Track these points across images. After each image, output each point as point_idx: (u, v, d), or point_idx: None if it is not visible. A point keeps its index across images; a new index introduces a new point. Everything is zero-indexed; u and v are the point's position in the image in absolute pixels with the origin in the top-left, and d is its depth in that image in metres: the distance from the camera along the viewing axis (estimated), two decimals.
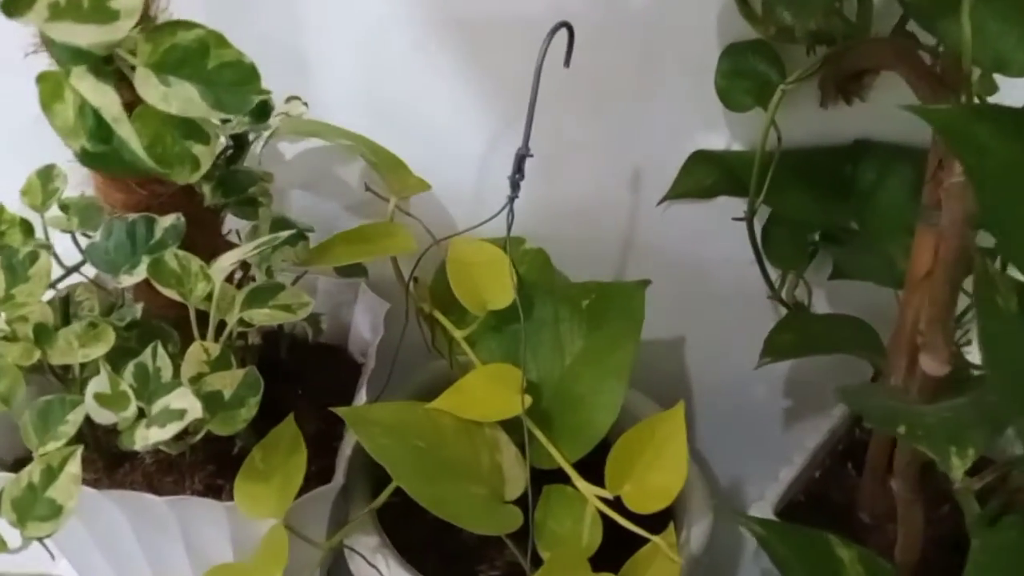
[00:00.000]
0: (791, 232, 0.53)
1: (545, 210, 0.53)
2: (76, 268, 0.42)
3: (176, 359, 0.39)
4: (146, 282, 0.39)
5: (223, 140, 0.43)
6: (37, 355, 0.37)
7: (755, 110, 0.48)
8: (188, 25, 0.31)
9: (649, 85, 0.51)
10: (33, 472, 0.33)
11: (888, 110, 0.50)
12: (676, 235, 0.57)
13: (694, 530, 0.49)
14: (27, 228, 0.42)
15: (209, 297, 0.39)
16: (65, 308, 0.41)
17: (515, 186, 0.40)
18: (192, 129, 0.32)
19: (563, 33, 0.39)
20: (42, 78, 0.31)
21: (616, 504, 0.44)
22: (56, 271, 0.41)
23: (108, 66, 0.31)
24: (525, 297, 0.47)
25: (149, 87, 0.31)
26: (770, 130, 0.47)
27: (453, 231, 0.50)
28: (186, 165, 0.32)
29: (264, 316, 0.39)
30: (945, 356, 0.35)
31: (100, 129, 0.31)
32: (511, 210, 0.42)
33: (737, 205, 0.54)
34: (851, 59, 0.43)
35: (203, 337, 0.40)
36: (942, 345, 0.36)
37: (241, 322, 0.40)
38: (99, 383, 0.34)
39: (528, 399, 0.44)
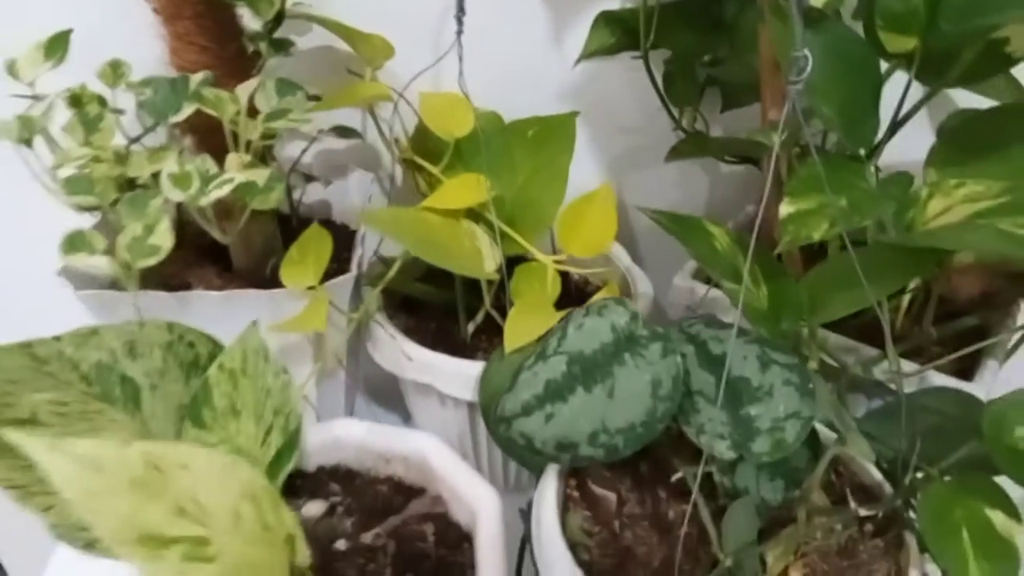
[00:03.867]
0: (683, 71, 0.67)
1: (489, 82, 0.67)
2: (140, 137, 0.54)
3: None
4: (193, 122, 0.52)
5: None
6: (119, 170, 0.50)
7: None
8: None
9: None
10: (136, 228, 0.45)
11: None
12: (595, 90, 0.71)
13: (639, 301, 0.62)
14: (102, 100, 0.54)
15: (238, 115, 0.51)
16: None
17: (459, 20, 0.54)
18: None
19: None
20: None
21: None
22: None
23: None
24: (485, 138, 0.61)
25: None
26: None
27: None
28: (265, 4, 0.45)
29: (283, 123, 0.52)
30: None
31: None
32: (460, 43, 0.55)
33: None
34: None
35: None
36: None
37: (263, 136, 0.52)
38: (170, 166, 0.47)
39: (492, 188, 0.57)
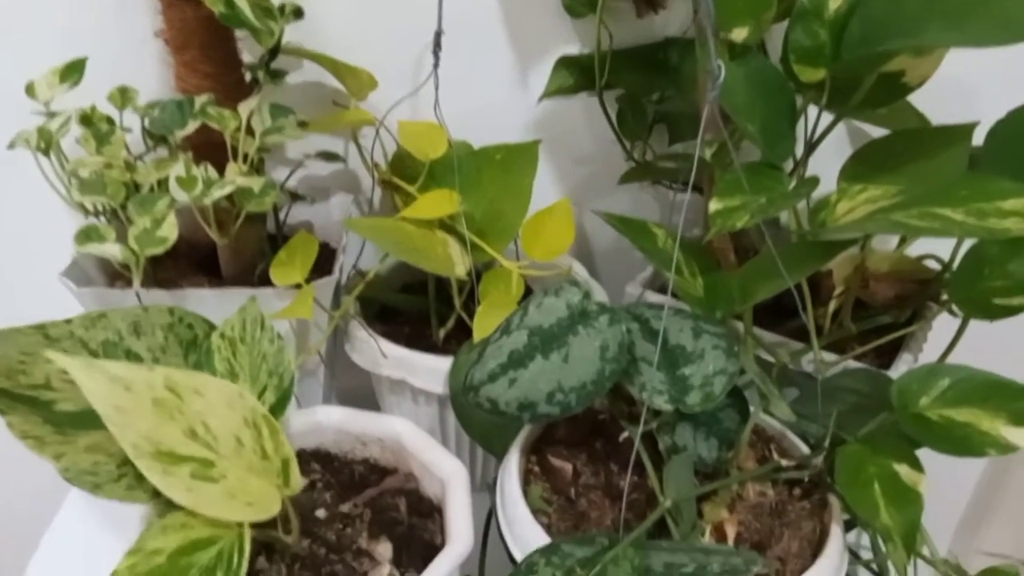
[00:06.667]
0: (633, 108, 0.76)
1: (461, 115, 0.74)
2: (147, 152, 0.60)
3: None
4: (193, 140, 0.59)
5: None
6: (128, 175, 0.55)
7: (590, 17, 0.71)
8: None
9: (521, 17, 0.74)
10: (145, 222, 0.51)
11: (678, 15, 0.75)
12: (556, 124, 0.79)
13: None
14: (110, 120, 0.60)
15: (238, 130, 0.58)
16: None
17: (436, 56, 0.62)
18: (268, 11, 0.52)
19: None
20: None
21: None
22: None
23: None
24: (459, 161, 0.68)
25: None
26: (602, 29, 0.71)
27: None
28: (265, 33, 0.52)
29: (278, 138, 0.59)
30: None
31: (227, 2, 0.51)
32: (436, 76, 0.63)
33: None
34: None
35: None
36: None
37: (259, 149, 0.59)
38: (178, 169, 0.53)
39: (461, 200, 0.64)
